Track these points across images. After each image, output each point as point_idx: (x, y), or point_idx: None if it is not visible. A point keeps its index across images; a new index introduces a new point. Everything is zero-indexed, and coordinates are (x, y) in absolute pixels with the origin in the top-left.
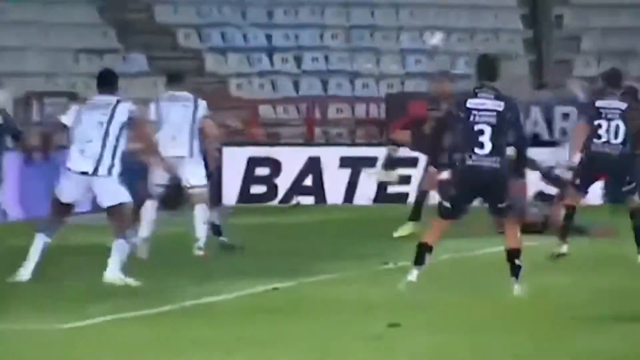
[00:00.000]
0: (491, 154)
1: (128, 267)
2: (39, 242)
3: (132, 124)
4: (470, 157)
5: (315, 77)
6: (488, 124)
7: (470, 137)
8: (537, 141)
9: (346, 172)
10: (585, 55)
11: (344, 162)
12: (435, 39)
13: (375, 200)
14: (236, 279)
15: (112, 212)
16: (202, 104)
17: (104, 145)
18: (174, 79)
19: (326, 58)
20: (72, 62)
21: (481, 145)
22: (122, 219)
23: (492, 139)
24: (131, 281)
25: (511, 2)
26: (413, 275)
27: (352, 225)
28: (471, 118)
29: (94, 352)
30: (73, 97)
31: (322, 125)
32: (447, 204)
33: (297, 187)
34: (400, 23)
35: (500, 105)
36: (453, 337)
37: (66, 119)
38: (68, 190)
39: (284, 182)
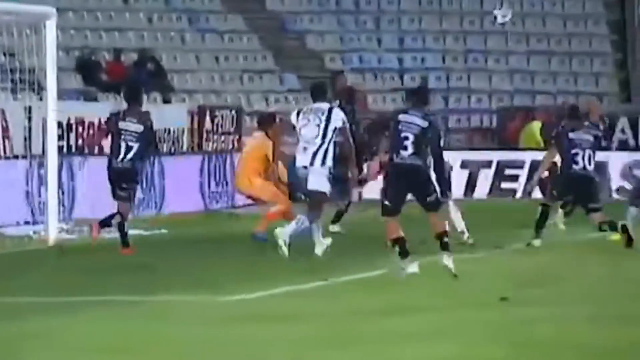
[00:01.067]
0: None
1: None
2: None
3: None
4: None
5: (437, 94)
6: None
7: None
8: (624, 147)
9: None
10: None
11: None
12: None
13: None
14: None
15: (311, 197)
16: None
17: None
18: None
19: (447, 77)
20: (237, 81)
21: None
22: (315, 204)
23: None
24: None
25: (603, 30)
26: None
27: None
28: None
29: (244, 321)
30: (239, 110)
31: None
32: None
33: None
34: (509, 48)
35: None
36: None
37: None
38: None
39: None
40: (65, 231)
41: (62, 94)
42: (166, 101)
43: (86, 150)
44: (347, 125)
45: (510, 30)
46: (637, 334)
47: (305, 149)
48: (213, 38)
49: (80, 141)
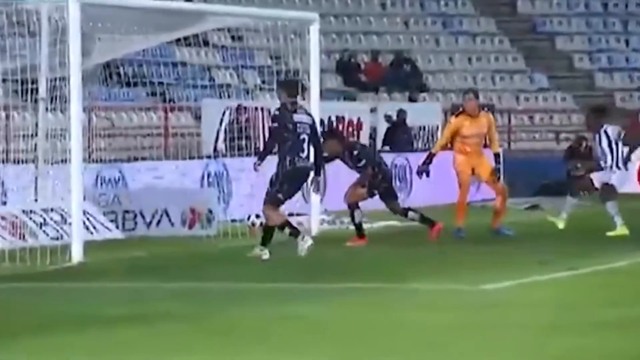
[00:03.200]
0: None
1: None
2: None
3: None
4: None
5: None
6: None
7: None
8: None
9: None
10: None
11: None
12: None
13: None
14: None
15: None
16: None
17: None
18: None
19: None
20: (489, 81)
21: None
22: None
23: None
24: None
25: None
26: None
27: None
28: None
29: (503, 311)
30: (491, 109)
31: None
32: None
33: None
34: None
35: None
36: None
37: None
38: None
39: None
40: (327, 222)
41: (324, 94)
42: (412, 100)
43: None
44: None
45: None
46: None
47: None
48: (466, 40)
49: None
